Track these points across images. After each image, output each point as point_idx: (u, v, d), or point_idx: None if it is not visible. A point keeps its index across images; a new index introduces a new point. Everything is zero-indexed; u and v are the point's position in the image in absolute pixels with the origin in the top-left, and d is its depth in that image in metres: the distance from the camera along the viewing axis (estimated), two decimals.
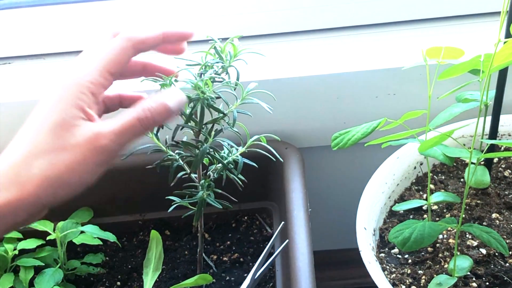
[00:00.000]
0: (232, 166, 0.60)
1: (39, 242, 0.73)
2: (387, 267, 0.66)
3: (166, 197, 0.61)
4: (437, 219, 0.71)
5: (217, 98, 0.56)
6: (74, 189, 0.48)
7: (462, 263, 0.62)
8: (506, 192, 0.73)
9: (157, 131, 0.58)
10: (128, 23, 0.86)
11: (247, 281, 0.62)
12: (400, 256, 0.67)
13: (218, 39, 0.58)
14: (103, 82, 0.49)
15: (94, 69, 0.49)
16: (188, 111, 0.56)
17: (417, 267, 0.66)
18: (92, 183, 0.48)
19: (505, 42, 0.51)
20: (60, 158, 0.46)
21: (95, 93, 0.48)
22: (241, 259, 0.78)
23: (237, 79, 0.58)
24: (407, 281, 0.64)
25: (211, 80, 0.55)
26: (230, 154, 0.60)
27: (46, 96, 0.48)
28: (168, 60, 0.55)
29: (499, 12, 0.58)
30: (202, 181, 0.60)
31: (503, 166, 0.77)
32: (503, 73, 0.63)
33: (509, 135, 0.79)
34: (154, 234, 0.69)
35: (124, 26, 0.52)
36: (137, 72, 0.56)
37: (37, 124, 0.47)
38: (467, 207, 0.71)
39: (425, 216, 0.71)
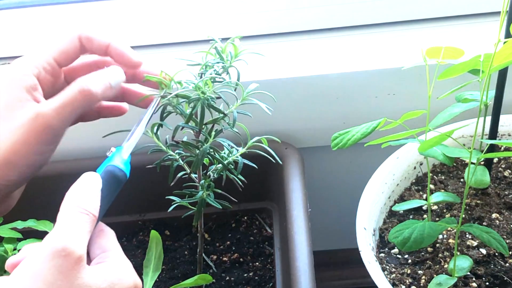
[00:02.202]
0: (232, 167, 0.60)
1: (39, 242, 0.73)
2: (387, 267, 0.66)
3: (166, 197, 0.61)
4: (437, 219, 0.71)
5: (218, 98, 0.56)
6: (25, 171, 0.49)
7: (462, 263, 0.62)
8: (506, 192, 0.73)
9: (157, 130, 0.58)
10: (126, 23, 0.86)
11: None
12: (400, 256, 0.67)
13: (219, 39, 0.58)
14: (46, 67, 0.51)
15: (38, 55, 0.52)
16: (188, 111, 0.56)
17: (417, 267, 0.66)
18: (43, 165, 0.50)
19: (505, 42, 0.51)
20: (3, 140, 0.48)
21: (40, 77, 0.51)
22: (241, 259, 0.78)
23: (238, 79, 0.58)
24: (407, 281, 0.64)
25: (212, 80, 0.55)
26: (230, 155, 0.60)
27: None
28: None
29: (499, 12, 0.58)
30: (202, 181, 0.60)
31: (503, 166, 0.77)
32: (503, 73, 0.63)
33: (509, 135, 0.79)
34: (154, 234, 0.69)
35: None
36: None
37: None
38: (467, 207, 0.71)
39: (425, 216, 0.71)
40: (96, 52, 0.55)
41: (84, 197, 0.45)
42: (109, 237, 0.47)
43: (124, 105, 0.59)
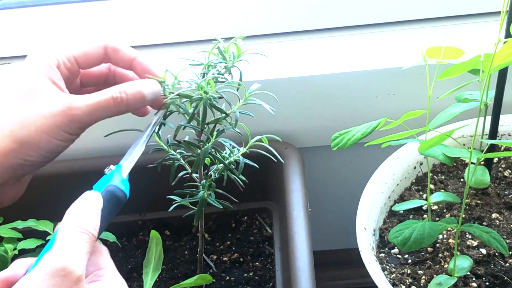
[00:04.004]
0: (233, 166, 0.60)
1: (39, 242, 0.73)
2: (387, 267, 0.66)
3: (167, 196, 0.61)
4: (437, 219, 0.71)
5: (220, 98, 0.56)
6: (44, 154, 0.50)
7: (462, 263, 0.62)
8: (506, 192, 0.73)
9: (159, 130, 0.58)
10: (128, 23, 0.86)
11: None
12: (400, 256, 0.67)
13: (222, 39, 0.58)
14: (65, 62, 0.52)
15: (60, 49, 0.52)
16: (190, 110, 0.56)
17: (417, 267, 0.66)
18: (62, 151, 0.51)
19: (505, 42, 0.51)
20: (32, 121, 0.49)
21: (59, 68, 0.52)
22: (241, 259, 0.78)
23: (240, 79, 0.58)
24: (407, 281, 0.64)
25: (214, 80, 0.55)
26: (231, 154, 0.60)
27: (16, 69, 0.51)
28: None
29: (499, 12, 0.58)
30: (203, 181, 0.60)
31: (503, 166, 0.77)
32: (503, 73, 0.63)
33: (509, 135, 0.79)
34: (154, 234, 0.69)
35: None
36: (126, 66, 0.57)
37: (8, 91, 0.50)
38: (467, 207, 0.71)
39: (425, 216, 0.71)
40: (120, 64, 0.55)
41: (84, 216, 0.45)
42: (103, 254, 0.47)
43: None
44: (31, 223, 0.73)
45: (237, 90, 0.58)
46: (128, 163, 0.52)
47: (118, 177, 0.50)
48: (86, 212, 0.46)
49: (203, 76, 0.57)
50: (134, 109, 0.53)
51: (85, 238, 0.44)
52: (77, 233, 0.44)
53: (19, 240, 0.74)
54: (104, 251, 0.48)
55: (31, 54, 0.52)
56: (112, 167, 0.51)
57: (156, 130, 0.56)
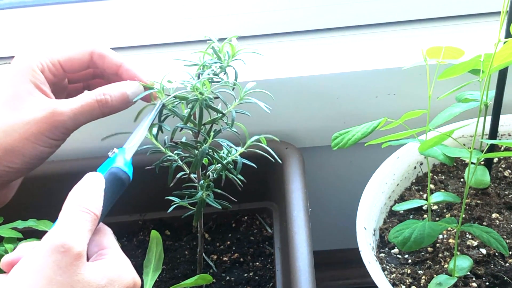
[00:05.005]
0: (231, 166, 0.60)
1: (36, 240, 0.73)
2: (387, 267, 0.66)
3: (166, 198, 0.61)
4: (437, 219, 0.71)
5: (216, 98, 0.56)
6: (29, 160, 0.50)
7: (462, 263, 0.62)
8: (506, 192, 0.73)
9: (157, 133, 0.58)
10: (124, 23, 0.86)
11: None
12: (400, 256, 0.67)
13: (217, 39, 0.58)
14: (50, 66, 0.52)
15: (44, 52, 0.52)
16: (186, 111, 0.56)
17: (417, 267, 0.66)
18: (47, 157, 0.51)
19: (505, 42, 0.51)
20: (15, 128, 0.49)
21: (43, 73, 0.51)
22: (241, 259, 0.78)
23: (235, 79, 0.58)
24: (407, 281, 0.64)
25: (209, 80, 0.55)
26: (229, 154, 0.60)
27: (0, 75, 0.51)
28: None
29: (499, 12, 0.58)
30: (202, 181, 0.60)
31: (503, 166, 0.77)
32: (503, 73, 0.63)
33: (509, 135, 0.79)
34: (154, 234, 0.69)
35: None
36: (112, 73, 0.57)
37: None
38: (467, 207, 0.71)
39: (425, 216, 0.71)
40: (107, 70, 0.55)
41: (86, 196, 0.45)
42: (106, 234, 0.47)
43: None
44: (31, 223, 0.73)
45: (233, 89, 0.58)
46: (131, 146, 0.52)
47: (122, 159, 0.50)
48: (87, 192, 0.46)
49: (198, 77, 0.57)
50: (118, 110, 0.54)
51: (86, 217, 0.44)
52: (78, 212, 0.44)
53: (19, 240, 0.74)
54: (108, 231, 0.48)
55: (15, 58, 0.52)
56: (115, 150, 0.51)
57: (156, 116, 0.56)
